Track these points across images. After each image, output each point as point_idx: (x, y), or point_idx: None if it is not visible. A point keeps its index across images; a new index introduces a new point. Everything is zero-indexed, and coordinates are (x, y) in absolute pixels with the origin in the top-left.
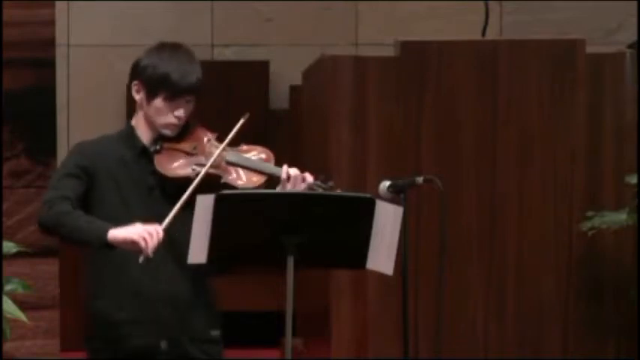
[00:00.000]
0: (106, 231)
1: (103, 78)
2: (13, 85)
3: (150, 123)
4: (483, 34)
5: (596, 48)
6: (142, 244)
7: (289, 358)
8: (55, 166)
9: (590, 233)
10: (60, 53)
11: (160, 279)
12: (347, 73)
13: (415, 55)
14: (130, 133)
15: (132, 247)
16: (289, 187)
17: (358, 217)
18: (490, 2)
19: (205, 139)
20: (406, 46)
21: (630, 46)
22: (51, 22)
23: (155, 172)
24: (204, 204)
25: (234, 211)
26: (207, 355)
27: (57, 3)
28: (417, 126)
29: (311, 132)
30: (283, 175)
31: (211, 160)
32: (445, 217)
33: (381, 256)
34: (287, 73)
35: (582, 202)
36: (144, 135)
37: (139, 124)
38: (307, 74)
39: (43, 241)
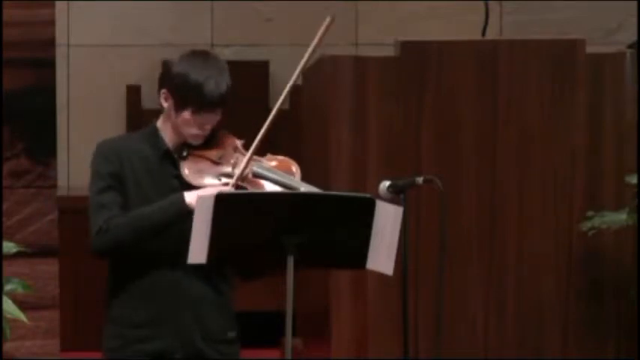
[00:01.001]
0: (182, 202)
1: (103, 78)
2: (13, 85)
3: (175, 130)
4: (483, 34)
5: (596, 48)
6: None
7: (289, 358)
8: (55, 166)
9: (590, 233)
10: (60, 53)
11: (181, 281)
12: (347, 73)
13: (415, 55)
14: (154, 133)
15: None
16: None
17: (358, 217)
18: (490, 2)
19: (232, 148)
20: (406, 46)
21: (630, 46)
22: (51, 22)
23: (179, 177)
24: (204, 204)
25: (234, 211)
26: (223, 356)
27: (57, 3)
28: (417, 126)
29: (311, 132)
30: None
31: (239, 172)
32: (445, 217)
33: (381, 256)
34: (287, 73)
35: (582, 202)
36: (168, 138)
37: (164, 127)
38: (307, 74)
39: (43, 241)
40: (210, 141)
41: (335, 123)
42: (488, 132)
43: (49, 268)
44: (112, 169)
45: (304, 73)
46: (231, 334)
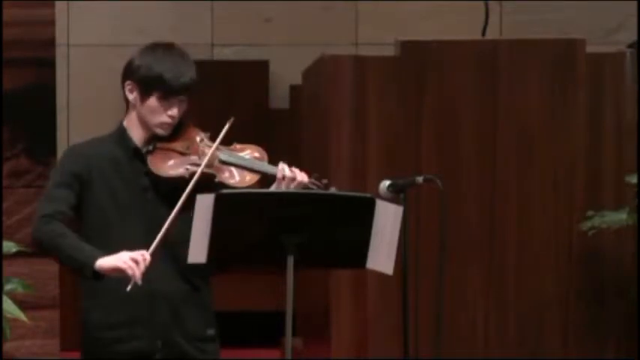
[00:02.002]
0: (94, 260)
1: (103, 78)
2: (13, 85)
3: (143, 123)
4: (483, 34)
5: (596, 48)
6: (130, 272)
7: (289, 358)
8: (55, 166)
9: (590, 233)
10: (60, 53)
11: (154, 279)
12: (347, 72)
13: (415, 55)
14: (122, 133)
15: (120, 275)
16: (284, 186)
17: (358, 217)
18: (490, 2)
19: (198, 139)
20: (406, 46)
21: (630, 46)
22: (51, 22)
23: (148, 173)
24: (204, 204)
25: (234, 210)
26: (203, 354)
27: (57, 3)
28: (417, 126)
29: (311, 132)
30: (279, 175)
31: (205, 159)
32: (445, 217)
33: (381, 255)
34: (287, 73)
35: (582, 202)
36: (136, 135)
37: (131, 124)
38: (307, 74)
39: None
40: (176, 133)
41: (335, 123)
42: (488, 132)
43: (49, 267)
44: (76, 170)
45: (304, 73)
46: (211, 332)
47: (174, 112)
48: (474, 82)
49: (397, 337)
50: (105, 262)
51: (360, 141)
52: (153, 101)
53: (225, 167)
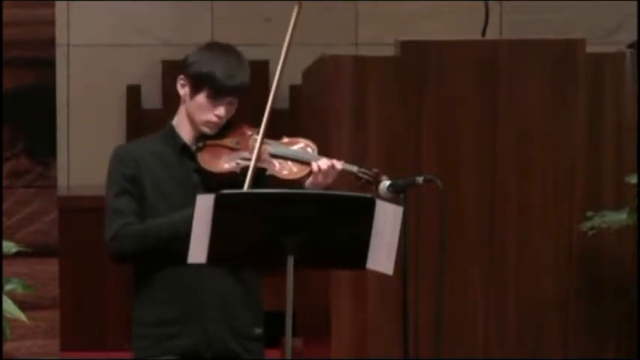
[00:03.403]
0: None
1: (103, 78)
2: (13, 85)
3: (191, 120)
4: (483, 34)
5: (596, 48)
6: None
7: (289, 358)
8: (55, 166)
9: (590, 233)
10: (60, 53)
11: (206, 277)
12: (347, 72)
13: (415, 55)
14: (170, 132)
15: None
16: (320, 178)
17: (358, 217)
18: (490, 2)
19: (248, 134)
20: (406, 46)
21: (630, 46)
22: (51, 22)
23: (198, 170)
24: (204, 204)
25: (234, 210)
26: (250, 354)
27: (57, 3)
28: (417, 126)
29: (311, 132)
30: (314, 167)
31: (255, 152)
32: (445, 217)
33: (381, 256)
34: (287, 73)
35: (582, 202)
36: (185, 133)
37: (180, 122)
38: (307, 74)
39: (43, 241)
40: (225, 130)
41: (335, 123)
42: (488, 132)
43: (49, 268)
44: (128, 172)
45: (304, 73)
46: (258, 331)
47: (221, 111)
48: (473, 82)
49: (397, 337)
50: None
51: (360, 141)
52: (201, 98)
53: (275, 160)
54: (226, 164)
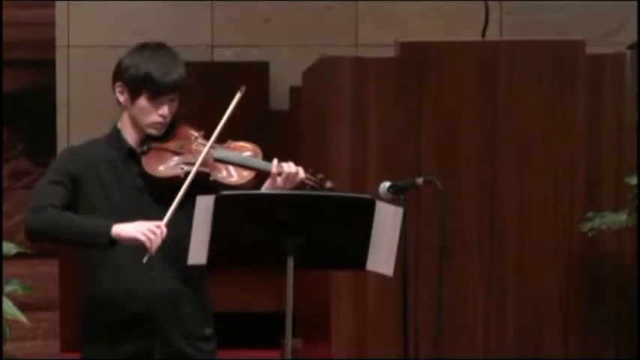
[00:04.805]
0: (110, 226)
1: (103, 78)
2: (13, 85)
3: (135, 124)
4: (483, 34)
5: (596, 48)
6: (147, 243)
7: (289, 358)
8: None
9: (590, 234)
10: (60, 53)
11: (153, 278)
12: (347, 73)
13: (415, 55)
14: (116, 135)
15: (135, 244)
16: (280, 182)
17: (358, 218)
18: (490, 2)
19: (192, 137)
20: (406, 47)
21: (630, 47)
22: (51, 23)
23: (143, 174)
24: (204, 205)
25: (234, 211)
26: (201, 354)
27: (57, 3)
28: (416, 127)
29: (311, 132)
30: (274, 170)
31: (200, 158)
32: (445, 217)
33: (381, 257)
34: (287, 73)
35: (582, 203)
36: (130, 136)
37: (124, 126)
38: (307, 75)
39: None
40: (169, 133)
41: (335, 123)
42: (488, 132)
43: (49, 269)
44: (69, 169)
45: (304, 73)
46: (208, 331)
47: (164, 110)
48: (473, 82)
49: (397, 337)
50: (122, 229)
51: (360, 142)
52: (143, 101)
53: (220, 165)
54: (170, 170)
